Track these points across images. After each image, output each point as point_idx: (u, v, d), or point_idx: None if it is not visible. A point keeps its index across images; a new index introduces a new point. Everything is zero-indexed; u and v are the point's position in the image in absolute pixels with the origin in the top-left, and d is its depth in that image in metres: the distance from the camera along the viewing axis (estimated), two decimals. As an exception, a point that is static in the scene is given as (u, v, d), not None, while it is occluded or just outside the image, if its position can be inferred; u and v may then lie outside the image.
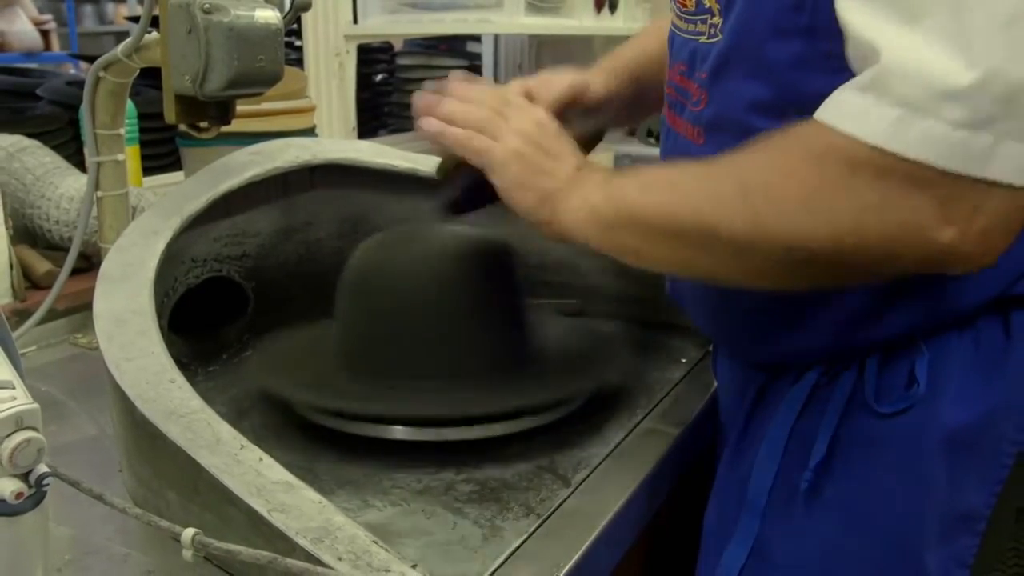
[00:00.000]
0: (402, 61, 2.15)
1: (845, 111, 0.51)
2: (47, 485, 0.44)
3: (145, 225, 0.81)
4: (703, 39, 0.66)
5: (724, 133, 0.63)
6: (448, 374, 0.73)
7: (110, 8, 4.66)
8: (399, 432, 0.71)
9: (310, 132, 1.27)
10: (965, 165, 0.48)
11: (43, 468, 0.43)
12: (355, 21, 1.61)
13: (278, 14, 0.81)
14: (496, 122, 0.68)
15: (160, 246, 0.78)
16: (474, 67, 2.39)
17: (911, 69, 0.48)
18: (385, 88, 2.12)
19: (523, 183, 0.66)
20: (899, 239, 0.51)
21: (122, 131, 0.94)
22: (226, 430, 0.58)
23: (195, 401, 0.60)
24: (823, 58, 0.56)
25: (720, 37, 0.63)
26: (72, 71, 2.97)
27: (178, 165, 1.29)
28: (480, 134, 0.67)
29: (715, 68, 0.63)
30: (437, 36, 2.22)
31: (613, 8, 2.13)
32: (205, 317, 0.90)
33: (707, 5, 0.65)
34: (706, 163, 0.58)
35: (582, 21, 2.07)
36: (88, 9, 4.57)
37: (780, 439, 0.67)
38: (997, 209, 0.49)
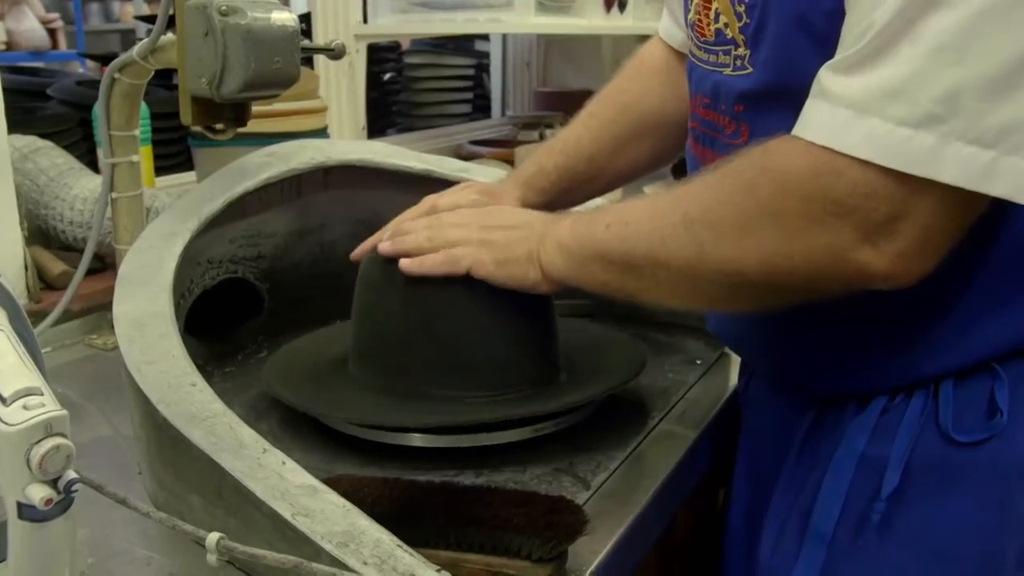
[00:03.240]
0: (410, 60, 2.15)
1: (801, 121, 0.53)
2: (75, 491, 0.44)
3: (163, 227, 0.81)
4: (727, 71, 0.65)
5: None
6: (469, 380, 0.72)
7: (116, 6, 4.65)
8: (418, 439, 0.71)
9: (322, 132, 1.27)
10: (908, 164, 0.49)
11: (71, 474, 0.43)
12: (365, 21, 1.61)
13: (294, 16, 0.81)
14: (442, 235, 0.71)
15: (178, 248, 0.78)
16: (482, 66, 2.39)
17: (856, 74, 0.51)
18: (393, 87, 2.12)
19: (503, 261, 0.68)
20: (823, 261, 0.53)
21: (137, 132, 0.94)
22: (248, 433, 0.58)
23: (216, 404, 0.60)
24: None
25: (750, 70, 0.62)
26: (80, 70, 2.97)
27: (189, 165, 1.28)
28: (448, 250, 0.70)
29: (754, 102, 0.63)
30: (446, 35, 2.22)
31: (623, 7, 2.12)
32: (220, 318, 0.90)
33: (730, 36, 0.64)
34: (657, 196, 0.62)
35: (592, 20, 2.07)
36: (95, 7, 4.56)
37: (848, 467, 0.64)
38: (914, 232, 0.51)
